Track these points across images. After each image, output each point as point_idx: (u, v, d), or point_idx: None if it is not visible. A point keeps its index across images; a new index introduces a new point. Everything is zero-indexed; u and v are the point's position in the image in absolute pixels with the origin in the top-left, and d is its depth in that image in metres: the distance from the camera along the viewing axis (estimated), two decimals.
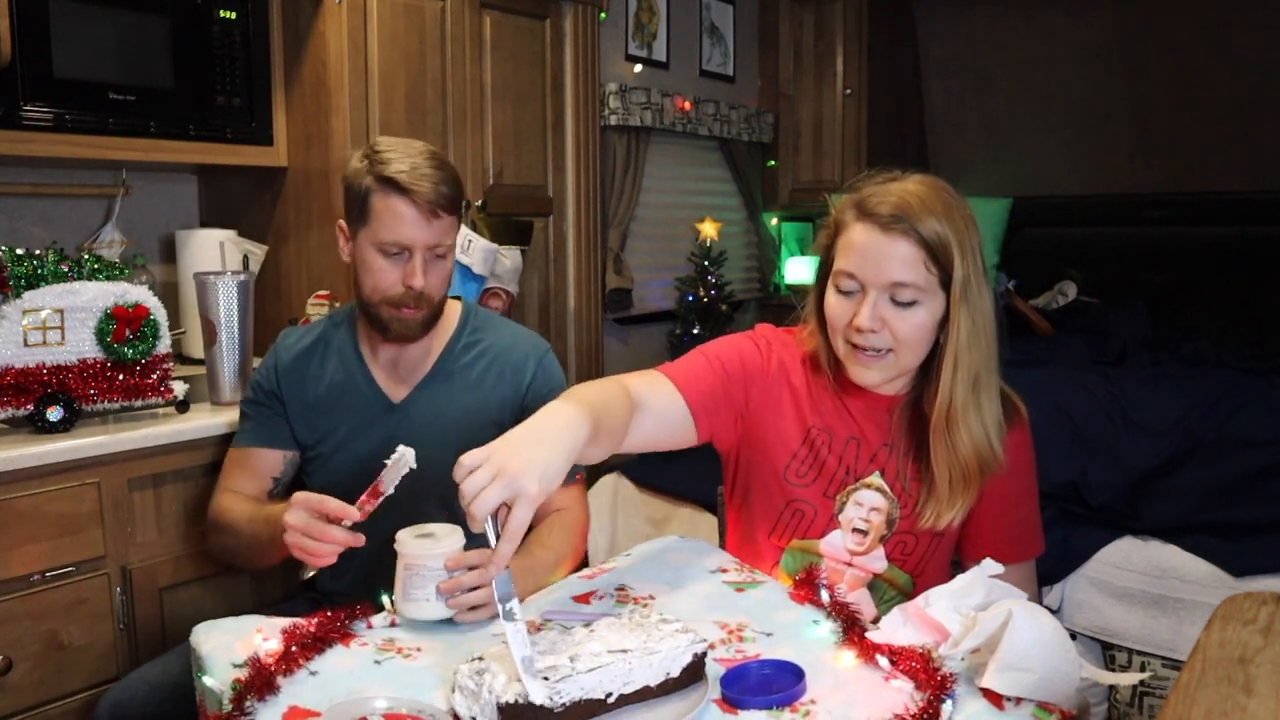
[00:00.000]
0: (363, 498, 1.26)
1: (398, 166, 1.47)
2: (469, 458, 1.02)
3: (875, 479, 1.42)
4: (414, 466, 1.23)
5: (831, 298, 1.35)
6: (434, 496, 1.52)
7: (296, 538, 1.28)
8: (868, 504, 1.41)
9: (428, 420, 1.60)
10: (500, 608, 1.00)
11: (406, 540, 1.27)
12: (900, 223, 1.27)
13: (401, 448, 1.21)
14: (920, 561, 1.43)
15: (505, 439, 1.05)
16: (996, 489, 1.41)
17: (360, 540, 1.28)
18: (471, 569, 1.22)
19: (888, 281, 1.29)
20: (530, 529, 1.61)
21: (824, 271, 1.39)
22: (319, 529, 1.27)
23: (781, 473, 1.44)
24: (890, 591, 1.45)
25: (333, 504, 1.27)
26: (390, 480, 1.24)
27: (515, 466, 1.01)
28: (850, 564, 1.44)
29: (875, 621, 1.34)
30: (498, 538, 1.02)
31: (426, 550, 1.24)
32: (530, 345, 1.66)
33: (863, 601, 1.44)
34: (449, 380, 1.61)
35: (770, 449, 1.44)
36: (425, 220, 1.48)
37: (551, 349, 1.69)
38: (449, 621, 1.23)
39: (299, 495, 1.30)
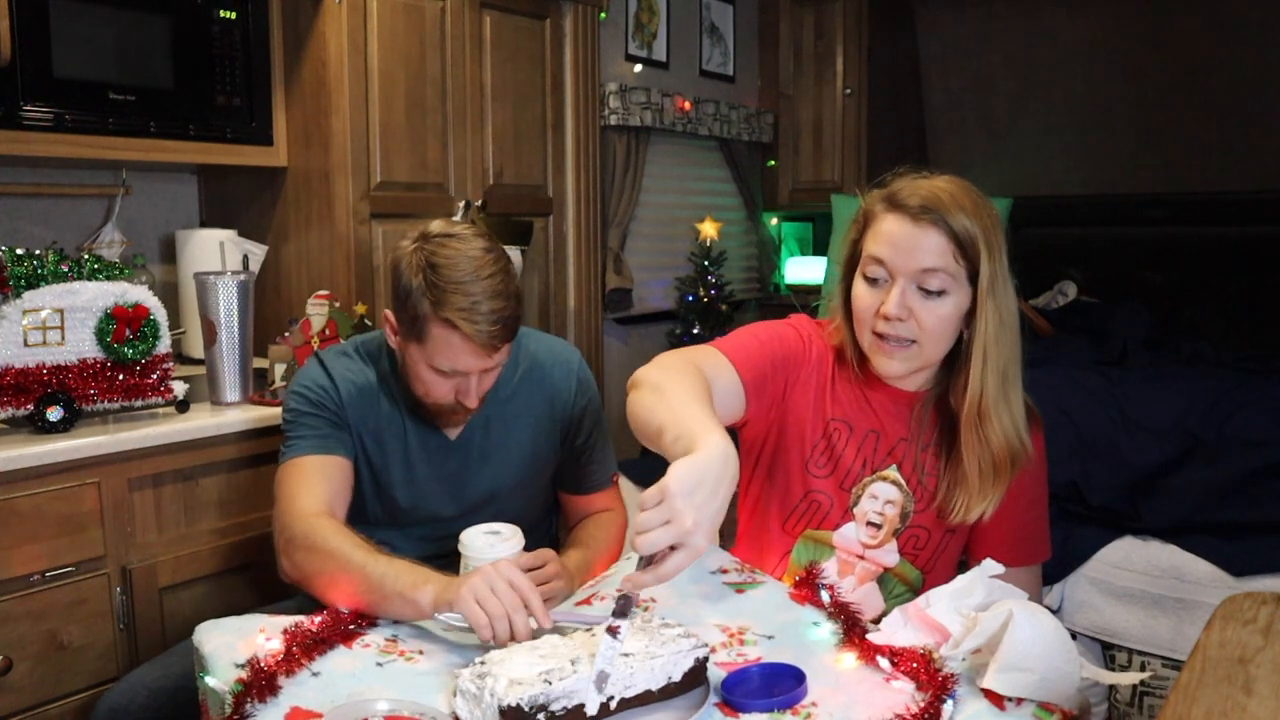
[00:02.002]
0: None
1: (458, 303, 1.39)
2: (649, 494, 1.02)
3: (891, 472, 1.43)
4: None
5: (860, 287, 1.37)
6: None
7: (488, 592, 1.17)
8: (883, 497, 1.43)
9: (485, 455, 1.60)
10: (610, 621, 1.00)
11: (472, 539, 1.33)
12: (930, 213, 1.30)
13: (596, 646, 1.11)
14: (932, 557, 1.44)
15: (681, 483, 1.01)
16: (1012, 490, 1.41)
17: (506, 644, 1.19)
18: (531, 568, 1.31)
19: (916, 269, 1.31)
20: (575, 526, 1.67)
21: (851, 264, 1.41)
22: (513, 604, 1.16)
23: (804, 462, 1.45)
24: (900, 587, 1.45)
25: (537, 604, 1.18)
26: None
27: (690, 522, 1.00)
28: (862, 557, 1.45)
29: (881, 618, 1.36)
30: (645, 565, 1.02)
31: (490, 550, 1.29)
32: (565, 359, 1.67)
33: (870, 596, 1.44)
34: (499, 412, 1.61)
35: (798, 437, 1.45)
36: (485, 354, 1.45)
37: (581, 356, 1.70)
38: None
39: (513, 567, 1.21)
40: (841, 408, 1.44)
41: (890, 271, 1.32)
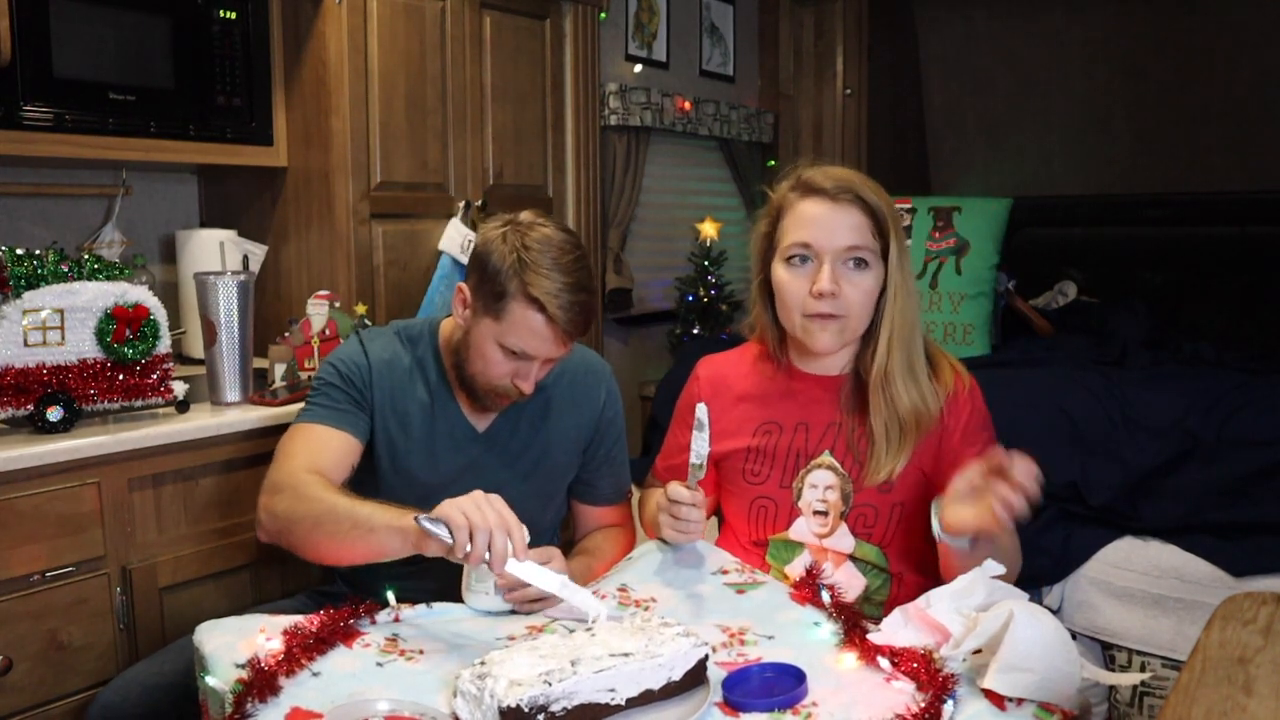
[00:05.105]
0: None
1: (547, 286, 1.42)
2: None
3: (825, 458, 1.47)
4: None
5: (784, 274, 1.44)
6: None
7: (474, 507, 1.22)
8: (821, 484, 1.47)
9: (512, 452, 1.61)
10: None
11: None
12: (847, 193, 1.40)
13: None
14: (886, 530, 1.46)
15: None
16: (953, 453, 1.45)
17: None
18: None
19: (841, 246, 1.39)
20: (583, 537, 1.71)
21: (768, 257, 1.48)
22: (498, 525, 1.21)
23: (741, 474, 1.51)
24: (871, 570, 1.47)
25: (519, 538, 1.24)
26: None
27: None
28: (823, 549, 1.47)
29: (866, 592, 1.43)
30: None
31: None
32: (598, 369, 1.70)
33: (850, 577, 1.46)
34: (529, 412, 1.62)
35: (730, 457, 1.53)
36: (559, 343, 1.47)
37: (611, 369, 1.74)
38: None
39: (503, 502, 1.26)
40: (767, 409, 1.51)
41: (816, 252, 1.40)
